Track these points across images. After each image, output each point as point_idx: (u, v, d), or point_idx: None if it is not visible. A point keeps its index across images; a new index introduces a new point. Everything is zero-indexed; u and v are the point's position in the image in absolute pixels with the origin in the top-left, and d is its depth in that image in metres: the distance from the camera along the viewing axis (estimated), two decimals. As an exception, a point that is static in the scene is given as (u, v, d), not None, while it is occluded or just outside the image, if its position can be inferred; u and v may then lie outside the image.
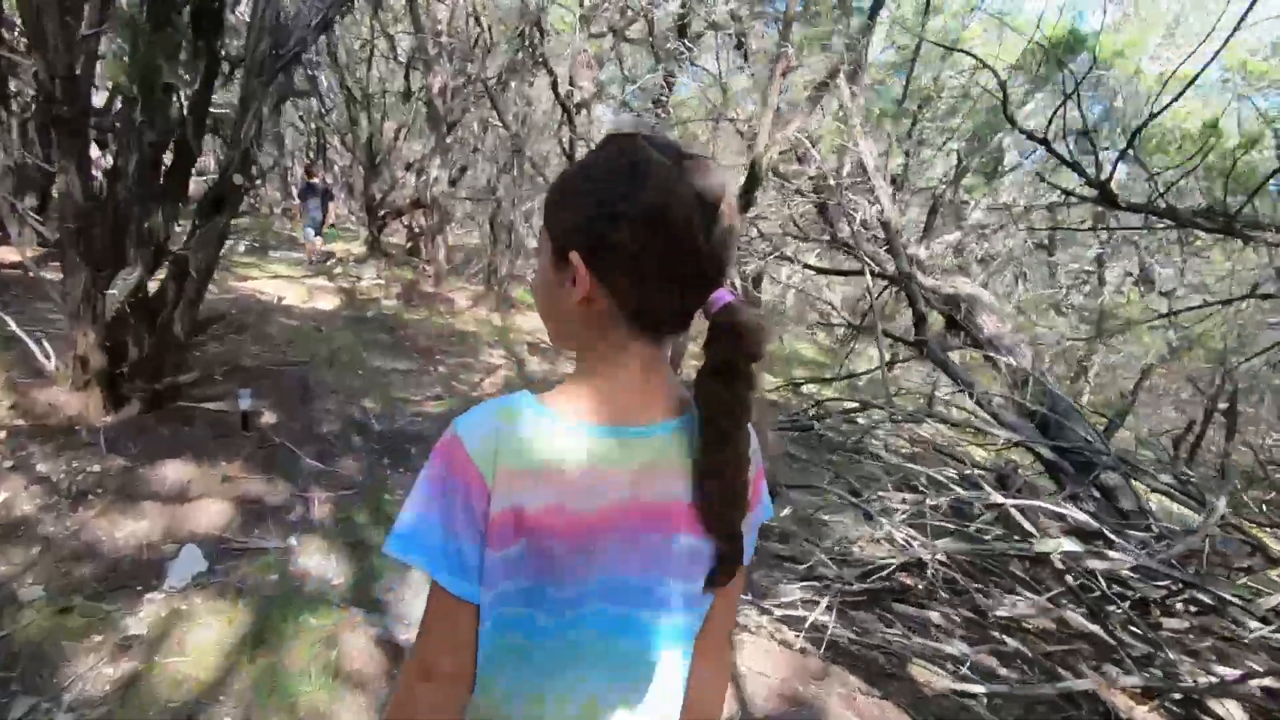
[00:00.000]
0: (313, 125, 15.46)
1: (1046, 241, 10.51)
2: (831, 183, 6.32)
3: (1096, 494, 4.52)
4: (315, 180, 12.38)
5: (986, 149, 7.40)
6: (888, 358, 6.94)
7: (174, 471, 3.30)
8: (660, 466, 0.74)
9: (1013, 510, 3.30)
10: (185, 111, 3.07)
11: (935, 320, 6.50)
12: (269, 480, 3.49)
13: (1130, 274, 11.61)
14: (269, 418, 4.01)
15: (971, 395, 5.47)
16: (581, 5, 8.72)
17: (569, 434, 0.72)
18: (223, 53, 3.43)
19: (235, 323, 5.53)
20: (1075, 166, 3.20)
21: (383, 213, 12.90)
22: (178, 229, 3.60)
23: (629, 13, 8.74)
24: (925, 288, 6.00)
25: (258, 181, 18.20)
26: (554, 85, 8.04)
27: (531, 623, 0.74)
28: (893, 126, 7.04)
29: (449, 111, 9.98)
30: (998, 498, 3.37)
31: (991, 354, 5.95)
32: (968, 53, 5.53)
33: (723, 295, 0.73)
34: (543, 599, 0.73)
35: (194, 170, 3.75)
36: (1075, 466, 5.00)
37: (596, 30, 8.63)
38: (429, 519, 0.71)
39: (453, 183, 10.63)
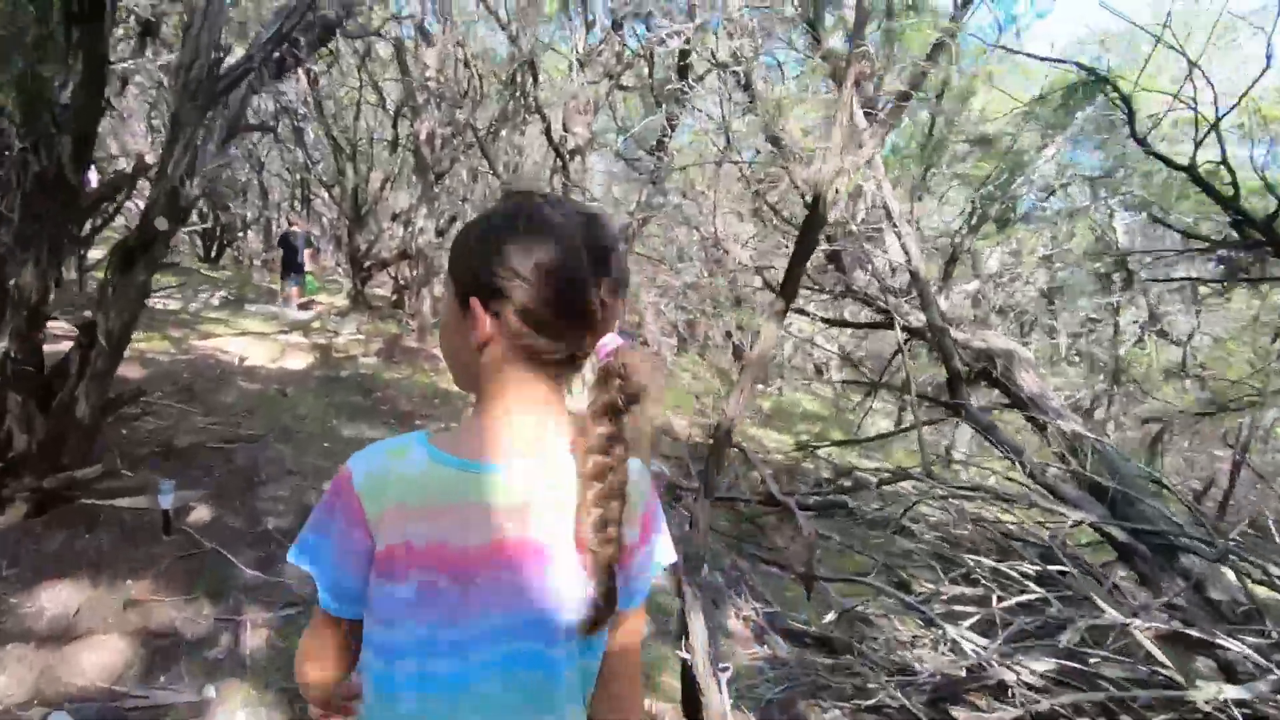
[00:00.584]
0: (298, 177, 14.95)
1: (1046, 290, 10.02)
2: (851, 228, 5.76)
3: (1181, 582, 3.82)
4: (296, 228, 12.05)
5: (1006, 195, 6.93)
6: (907, 421, 6.28)
7: (59, 598, 2.51)
8: (548, 501, 0.75)
9: (1139, 634, 2.57)
10: (56, 130, 2.38)
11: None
12: (189, 601, 2.70)
13: (1136, 322, 11.12)
14: (201, 514, 3.23)
15: (1022, 465, 4.79)
16: (576, 51, 8.29)
17: (455, 471, 0.74)
18: (112, 57, 2.76)
19: (182, 390, 4.78)
20: (1231, 203, 2.57)
21: (367, 264, 12.27)
22: (71, 284, 2.87)
23: (625, 57, 8.31)
24: (957, 342, 5.37)
25: (240, 235, 17.53)
26: (547, 130, 7.53)
27: (427, 677, 0.75)
28: (916, 168, 6.54)
29: (437, 160, 9.44)
30: (1116, 616, 2.64)
31: (1036, 416, 5.29)
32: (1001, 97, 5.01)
33: (611, 340, 0.76)
34: (435, 645, 0.74)
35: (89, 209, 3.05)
36: (1151, 548, 4.29)
37: (591, 76, 8.19)
38: (321, 541, 0.77)
39: (440, 233, 10.05)
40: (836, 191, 2.05)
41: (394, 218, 12.81)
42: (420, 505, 0.72)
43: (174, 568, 2.82)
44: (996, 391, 5.88)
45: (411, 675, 0.74)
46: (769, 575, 4.87)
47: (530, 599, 0.74)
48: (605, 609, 0.76)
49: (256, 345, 6.92)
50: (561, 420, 0.79)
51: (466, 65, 9.52)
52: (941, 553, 4.46)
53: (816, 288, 6.74)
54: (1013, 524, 5.38)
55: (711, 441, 2.92)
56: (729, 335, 14.42)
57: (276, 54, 3.13)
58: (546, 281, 0.71)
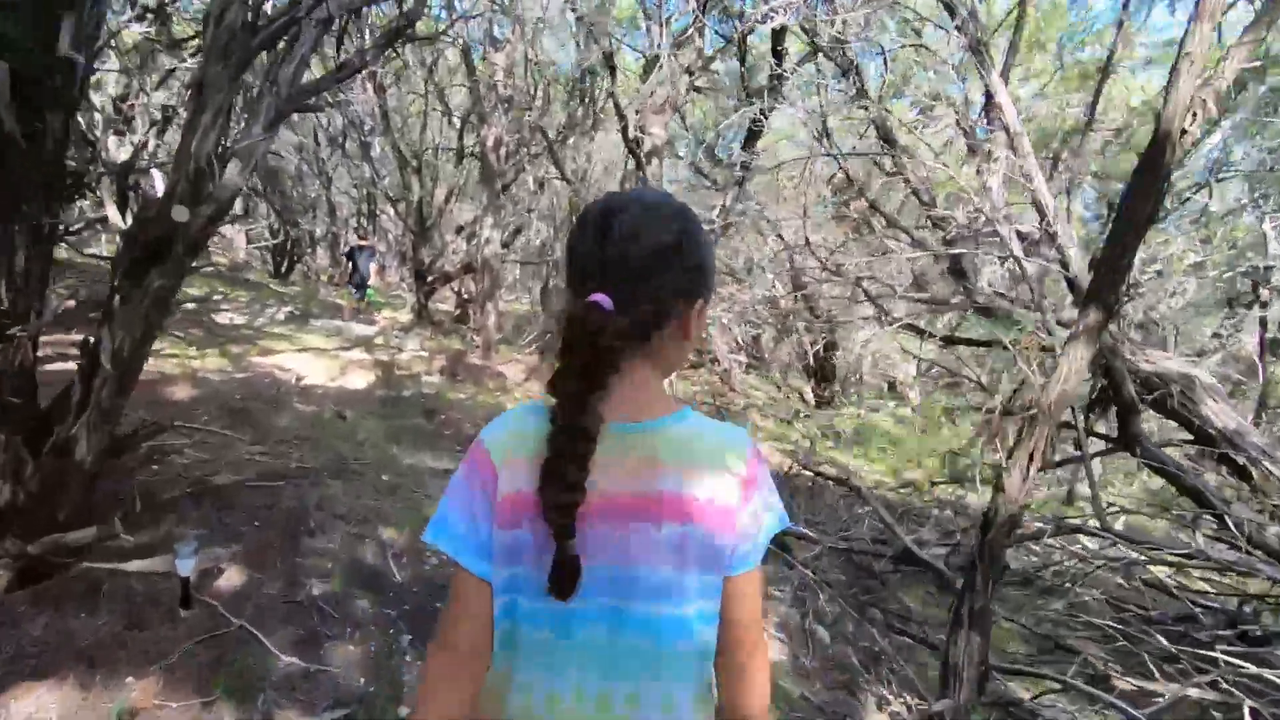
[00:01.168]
0: (364, 192, 14.79)
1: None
2: (981, 226, 4.86)
3: None
4: (365, 242, 12.50)
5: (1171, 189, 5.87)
6: (1054, 456, 5.30)
7: (34, 705, 1.88)
8: (649, 459, 0.78)
9: None
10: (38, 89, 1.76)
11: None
12: (207, 706, 2.04)
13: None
14: (231, 578, 2.58)
15: (1229, 520, 3.80)
16: (655, 45, 7.64)
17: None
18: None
19: (231, 415, 4.24)
20: None
21: (431, 279, 11.88)
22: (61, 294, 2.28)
23: (704, 53, 7.61)
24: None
25: (309, 250, 17.51)
26: (624, 130, 6.88)
27: (522, 612, 0.79)
28: (1071, 157, 5.58)
29: (503, 170, 8.92)
30: None
31: (1231, 454, 4.26)
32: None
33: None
34: (534, 586, 0.77)
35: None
36: None
37: (669, 73, 7.52)
38: (453, 508, 0.82)
39: (505, 245, 9.55)
40: (1185, 130, 1.28)
41: (458, 230, 12.41)
42: (535, 456, 0.76)
43: (190, 656, 2.17)
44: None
45: (525, 612, 0.79)
46: (900, 644, 3.98)
47: (630, 555, 0.77)
48: (564, 573, 0.75)
49: (317, 362, 6.43)
50: (659, 390, 0.84)
51: (534, 70, 9.00)
52: (1123, 631, 3.51)
53: (929, 300, 5.83)
54: (1203, 591, 4.35)
55: (982, 530, 2.11)
56: (807, 353, 13.50)
57: (324, 10, 2.51)
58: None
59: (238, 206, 14.45)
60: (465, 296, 12.82)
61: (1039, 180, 4.35)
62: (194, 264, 2.63)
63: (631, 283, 0.78)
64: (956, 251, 5.40)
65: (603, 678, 0.79)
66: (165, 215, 2.12)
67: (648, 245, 0.78)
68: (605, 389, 0.76)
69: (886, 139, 5.74)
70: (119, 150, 6.32)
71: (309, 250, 17.01)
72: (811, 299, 11.91)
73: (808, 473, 5.91)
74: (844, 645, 3.64)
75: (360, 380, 6.28)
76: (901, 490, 6.43)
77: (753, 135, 6.59)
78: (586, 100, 9.54)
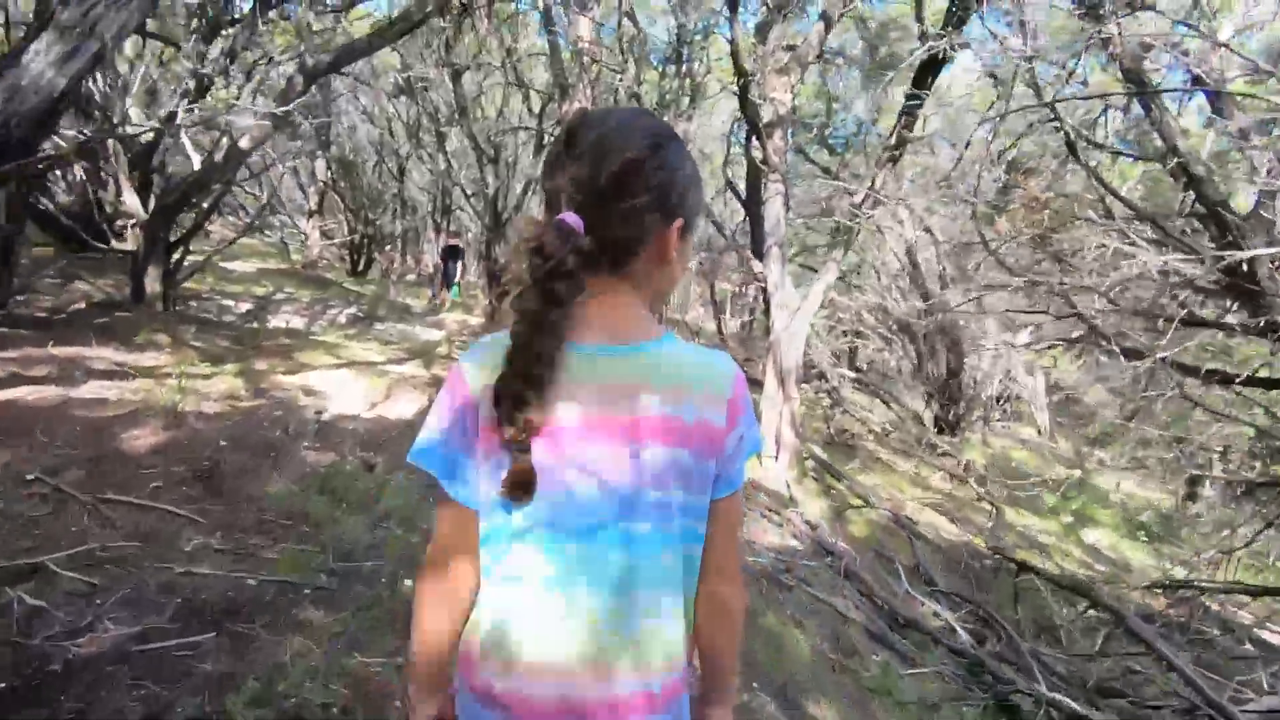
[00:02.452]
0: (440, 185, 13.75)
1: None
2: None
3: None
4: (456, 242, 12.32)
5: None
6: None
7: None
8: (635, 382, 0.76)
9: None
10: None
11: None
12: None
13: None
14: None
15: None
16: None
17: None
18: None
19: (200, 480, 2.90)
20: None
21: (506, 279, 10.61)
22: None
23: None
24: None
25: (387, 248, 16.69)
26: (743, 91, 5.30)
27: (511, 533, 0.76)
28: None
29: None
30: None
31: None
32: None
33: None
34: (535, 510, 0.74)
35: None
36: None
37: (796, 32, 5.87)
38: (433, 435, 0.78)
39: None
40: None
41: (536, 226, 11.10)
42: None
43: None
44: None
45: (514, 533, 0.76)
46: None
47: (616, 475, 0.75)
48: (517, 482, 0.73)
49: (356, 382, 5.11)
50: (640, 314, 0.81)
51: (625, 40, 7.49)
52: None
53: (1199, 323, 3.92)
54: None
55: None
56: (919, 369, 11.50)
57: None
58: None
59: (312, 201, 13.70)
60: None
61: None
62: None
63: (601, 201, 0.74)
64: (1251, 254, 3.50)
65: (593, 592, 0.76)
66: None
67: (616, 160, 0.74)
68: (564, 307, 0.72)
69: (1135, 80, 3.89)
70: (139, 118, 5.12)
71: (387, 247, 16.22)
72: (937, 306, 9.93)
73: (1009, 562, 4.14)
74: None
75: (408, 406, 4.92)
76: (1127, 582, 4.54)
77: (908, 109, 4.89)
78: (683, 74, 7.96)
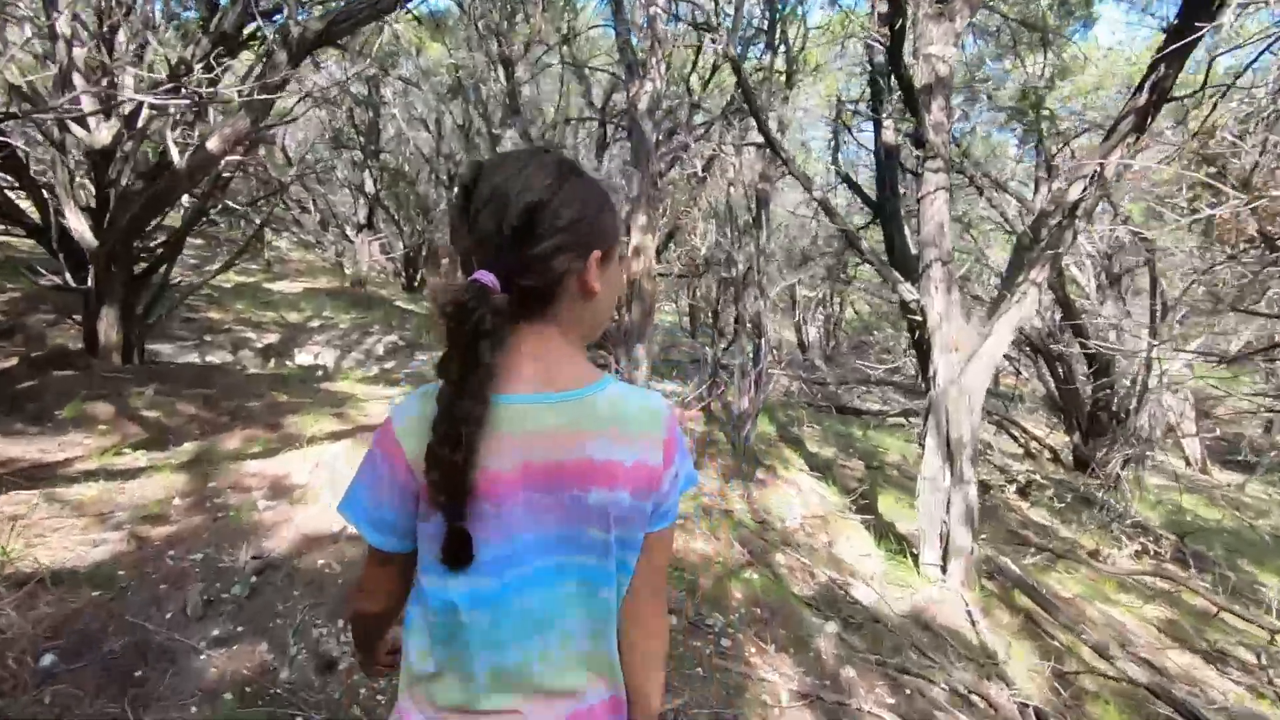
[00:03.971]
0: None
1: None
2: None
3: None
4: None
5: None
6: None
7: None
8: (574, 429, 0.76)
9: None
10: None
11: None
12: None
13: None
14: None
15: None
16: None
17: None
18: None
19: None
20: None
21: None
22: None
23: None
24: None
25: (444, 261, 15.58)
26: (892, 50, 3.57)
27: (456, 594, 0.76)
28: None
29: (662, 143, 5.81)
30: None
31: None
32: None
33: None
34: (479, 564, 0.75)
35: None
36: None
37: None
38: (361, 487, 0.79)
39: (660, 252, 6.56)
40: None
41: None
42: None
43: None
44: None
45: (462, 593, 0.76)
46: None
47: (555, 521, 0.76)
48: (452, 546, 0.74)
49: (353, 458, 3.65)
50: (574, 358, 0.80)
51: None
52: None
53: None
54: None
55: None
56: (1056, 393, 9.35)
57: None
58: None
59: (361, 215, 12.62)
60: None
61: None
62: None
63: (511, 253, 0.73)
64: None
65: (535, 635, 0.78)
66: None
67: (518, 208, 0.72)
68: (487, 367, 0.72)
69: None
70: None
71: (444, 262, 15.05)
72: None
73: None
74: None
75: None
76: None
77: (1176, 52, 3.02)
78: (777, 42, 6.20)
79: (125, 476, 2.95)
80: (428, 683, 0.80)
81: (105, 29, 3.95)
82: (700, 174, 7.22)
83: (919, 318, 4.01)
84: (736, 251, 5.61)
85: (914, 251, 4.75)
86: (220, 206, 8.35)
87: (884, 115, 4.95)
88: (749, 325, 5.41)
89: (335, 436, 3.91)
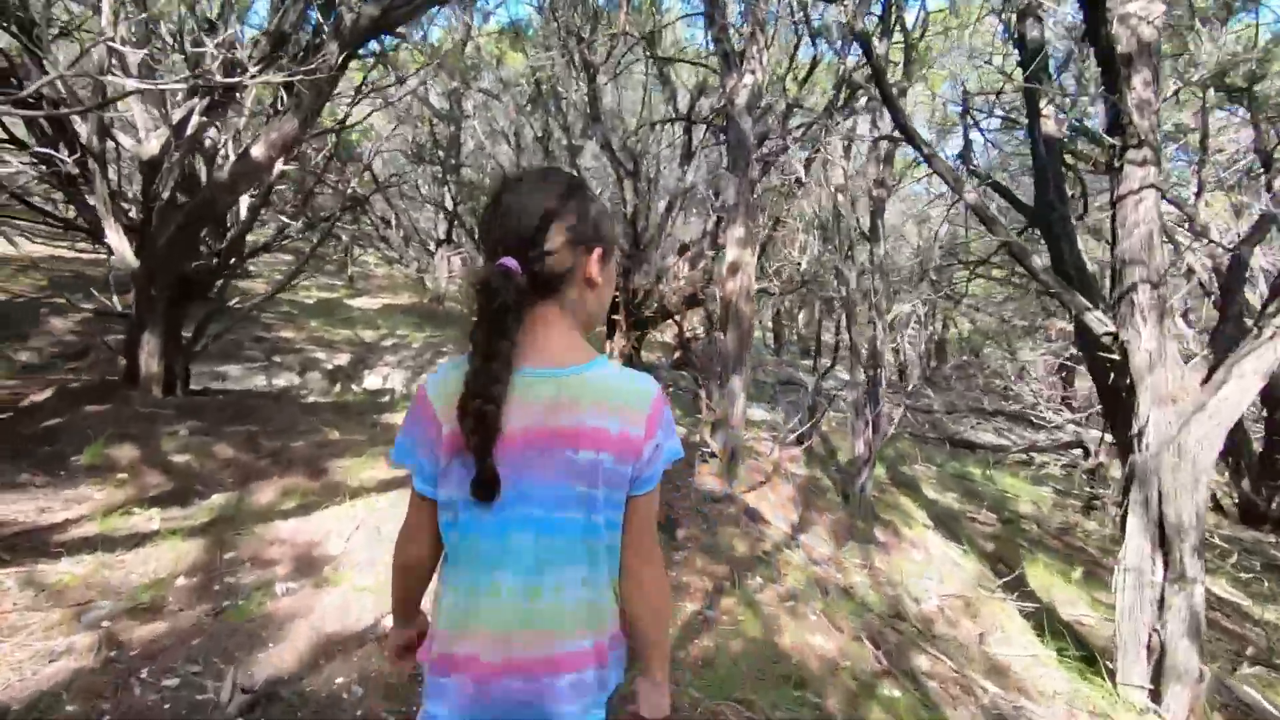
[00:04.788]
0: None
1: None
2: None
3: None
4: None
5: None
6: None
7: None
8: (570, 400, 0.89)
9: None
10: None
11: None
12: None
13: None
14: None
15: None
16: None
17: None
18: None
19: None
20: None
21: (647, 313, 8.42)
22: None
23: None
24: None
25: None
26: (1092, 7, 2.64)
27: (463, 525, 0.90)
28: None
29: (761, 141, 5.01)
30: None
31: None
32: None
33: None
34: (472, 504, 0.89)
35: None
36: None
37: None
38: (405, 440, 0.95)
39: (763, 268, 5.75)
40: None
41: (682, 250, 8.79)
42: (458, 397, 0.86)
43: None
44: None
45: (465, 524, 0.90)
46: None
47: (553, 474, 0.88)
48: (483, 482, 0.86)
49: (398, 514, 3.03)
50: (575, 339, 0.95)
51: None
52: None
53: None
54: None
55: None
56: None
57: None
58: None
59: (440, 230, 12.40)
60: (688, 337, 9.18)
61: None
62: None
63: (528, 245, 0.88)
64: None
65: (531, 572, 0.90)
66: None
67: (535, 212, 0.89)
68: (510, 338, 0.86)
69: None
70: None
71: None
72: None
73: None
74: None
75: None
76: None
77: None
78: (893, 24, 5.30)
79: (127, 545, 2.42)
80: (443, 619, 0.94)
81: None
82: (800, 179, 6.35)
83: (1114, 356, 3.01)
84: (849, 268, 4.71)
85: (1088, 268, 3.74)
86: (302, 222, 8.17)
87: (1044, 101, 3.96)
88: (863, 353, 4.50)
89: (384, 487, 3.31)
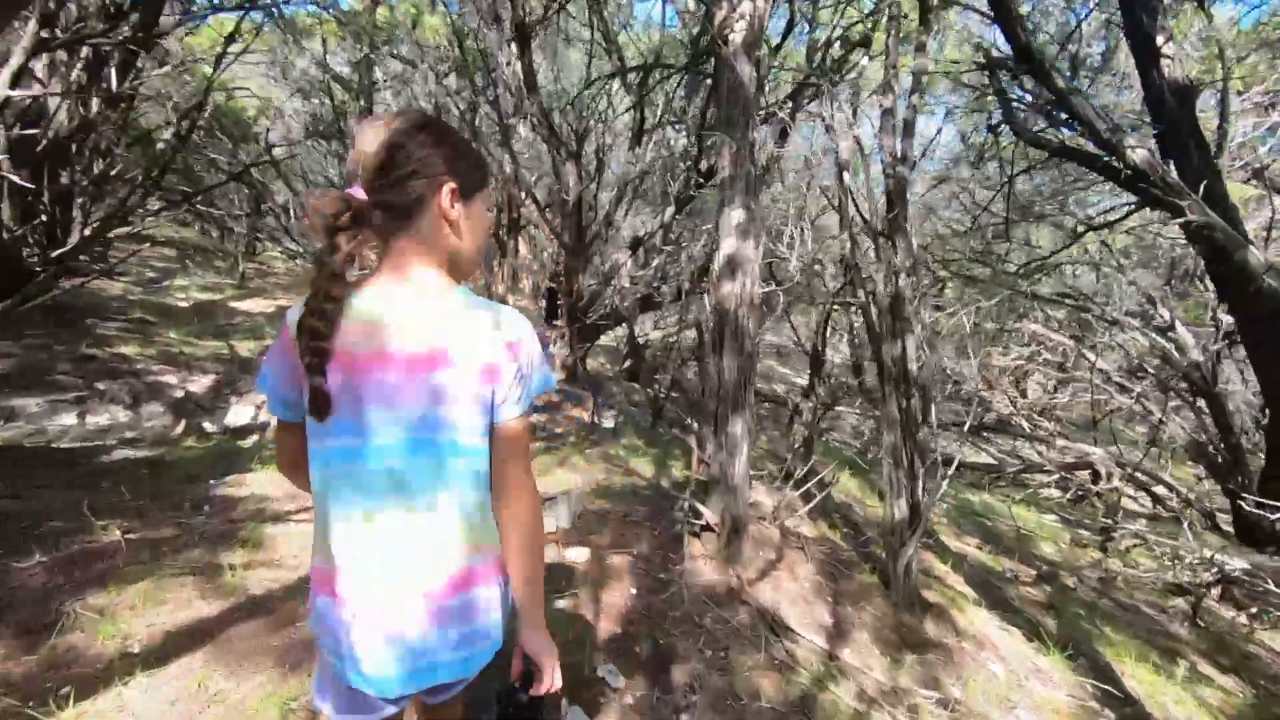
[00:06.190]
0: (504, 195, 10.28)
1: None
2: None
3: None
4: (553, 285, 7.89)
5: None
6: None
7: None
8: (428, 325, 0.91)
9: None
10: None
11: None
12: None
13: None
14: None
15: None
16: None
17: (357, 301, 0.92)
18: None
19: None
20: None
21: (591, 319, 6.99)
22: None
23: None
24: None
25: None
26: None
27: (329, 451, 0.91)
28: None
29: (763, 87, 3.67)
30: None
31: None
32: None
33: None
34: (342, 426, 0.90)
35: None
36: None
37: None
38: (268, 369, 0.96)
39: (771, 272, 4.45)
40: None
41: (635, 245, 7.40)
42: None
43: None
44: None
45: (334, 450, 0.91)
46: None
47: (413, 398, 0.89)
48: (316, 399, 0.88)
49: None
50: (435, 272, 0.96)
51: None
52: None
53: None
54: None
55: None
56: (1209, 442, 7.19)
57: None
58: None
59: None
60: (639, 339, 7.81)
61: None
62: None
63: (373, 175, 0.90)
64: None
65: (402, 492, 0.90)
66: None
67: (384, 144, 0.90)
68: (342, 256, 0.88)
69: None
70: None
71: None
72: None
73: None
74: None
75: None
76: None
77: None
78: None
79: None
80: (319, 544, 0.94)
81: None
82: (774, 151, 5.07)
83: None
84: (876, 270, 3.46)
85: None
86: (158, 201, 6.32)
87: (1162, 39, 2.80)
88: (910, 382, 3.25)
89: (176, 660, 1.77)
